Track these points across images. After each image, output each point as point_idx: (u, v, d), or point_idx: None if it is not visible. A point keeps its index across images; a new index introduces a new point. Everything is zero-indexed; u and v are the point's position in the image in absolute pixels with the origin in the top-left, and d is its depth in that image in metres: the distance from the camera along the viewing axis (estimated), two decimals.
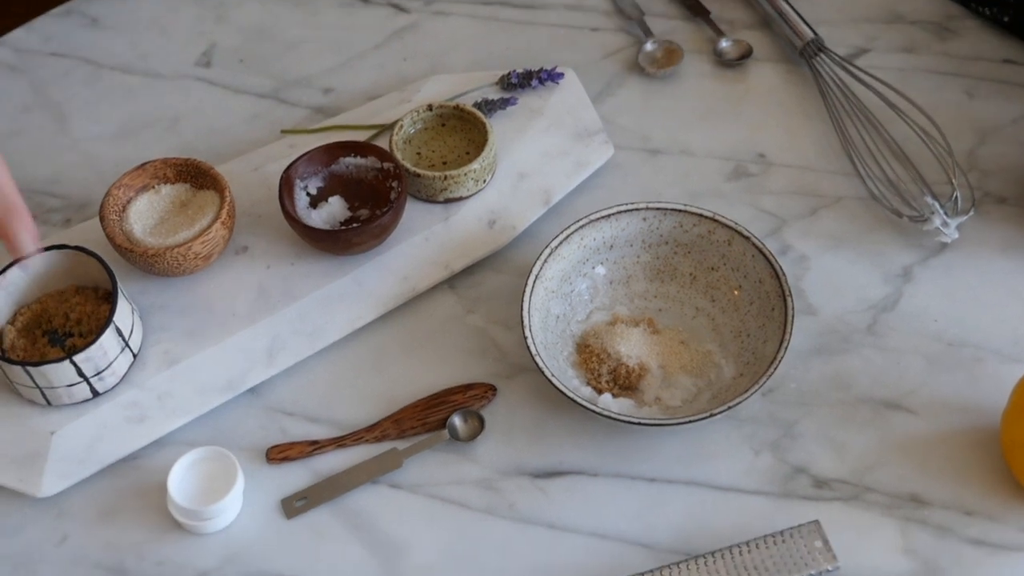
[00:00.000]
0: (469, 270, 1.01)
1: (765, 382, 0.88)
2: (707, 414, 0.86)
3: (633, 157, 1.09)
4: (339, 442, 0.92)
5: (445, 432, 0.92)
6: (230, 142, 1.10)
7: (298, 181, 0.99)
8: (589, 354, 0.94)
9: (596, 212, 0.96)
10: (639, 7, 1.19)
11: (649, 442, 0.92)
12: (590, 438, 0.92)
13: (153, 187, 0.99)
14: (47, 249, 0.94)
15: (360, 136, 1.06)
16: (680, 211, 0.97)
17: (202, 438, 0.93)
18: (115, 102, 1.14)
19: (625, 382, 0.93)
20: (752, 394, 0.87)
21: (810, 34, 1.12)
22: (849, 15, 1.18)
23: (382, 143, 1.05)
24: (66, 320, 0.94)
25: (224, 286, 0.98)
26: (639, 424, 0.87)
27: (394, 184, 0.99)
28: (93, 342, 0.88)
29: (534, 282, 0.93)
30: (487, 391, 0.94)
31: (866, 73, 1.09)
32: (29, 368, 0.87)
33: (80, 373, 0.89)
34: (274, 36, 1.18)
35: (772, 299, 0.93)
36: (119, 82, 1.16)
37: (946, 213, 0.99)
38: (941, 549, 0.87)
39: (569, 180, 1.05)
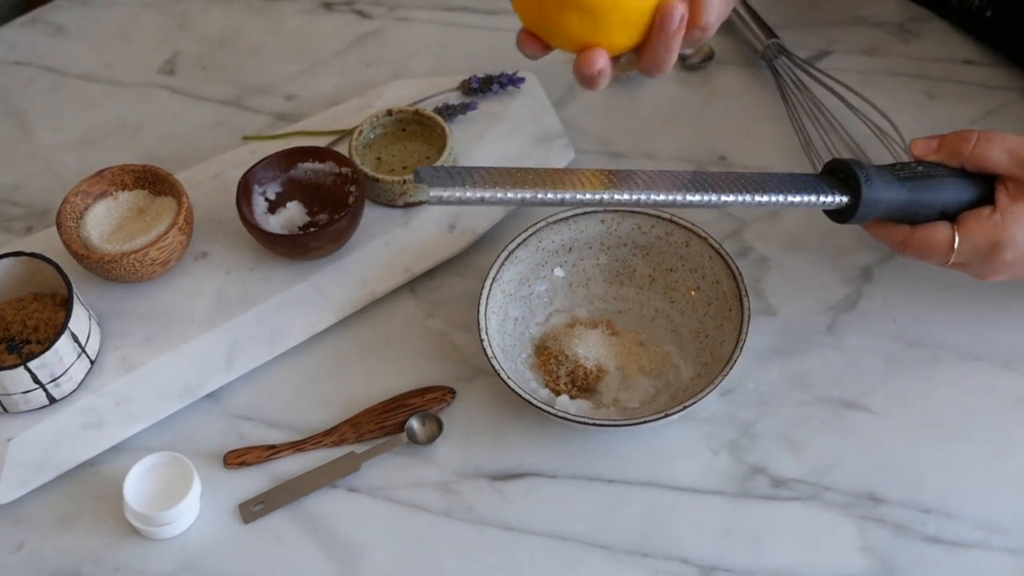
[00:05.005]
0: (429, 274, 1.01)
1: (721, 381, 0.88)
2: (662, 414, 0.86)
3: (595, 160, 1.09)
4: (297, 446, 0.92)
5: (403, 435, 0.92)
6: (193, 149, 1.10)
7: (256, 187, 0.99)
8: (547, 356, 0.94)
9: (554, 215, 0.96)
10: None
11: (607, 443, 0.92)
12: (548, 440, 0.92)
13: (111, 194, 0.99)
14: (3, 256, 0.93)
15: (321, 142, 1.06)
16: (638, 213, 0.97)
17: (160, 444, 0.93)
18: (78, 110, 1.14)
19: (583, 383, 0.93)
20: (708, 394, 0.87)
21: (771, 37, 1.13)
22: (811, 19, 1.19)
23: (343, 149, 1.05)
24: (23, 327, 0.94)
25: (183, 292, 0.97)
26: (595, 425, 0.87)
27: (352, 189, 0.99)
28: (47, 348, 0.88)
29: (491, 285, 0.93)
30: (446, 394, 0.94)
31: (826, 75, 1.09)
32: None
33: (36, 380, 0.89)
34: (237, 43, 1.19)
35: (729, 299, 0.93)
36: (82, 90, 1.16)
37: None
38: (898, 547, 0.87)
39: None
